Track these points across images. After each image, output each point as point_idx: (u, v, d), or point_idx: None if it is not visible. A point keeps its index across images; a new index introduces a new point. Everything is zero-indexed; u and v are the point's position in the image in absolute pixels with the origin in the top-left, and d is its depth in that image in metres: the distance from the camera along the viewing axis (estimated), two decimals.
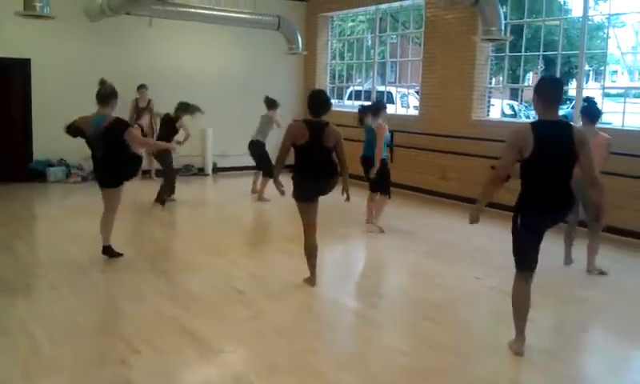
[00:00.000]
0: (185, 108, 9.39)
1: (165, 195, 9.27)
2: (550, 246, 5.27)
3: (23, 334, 4.44)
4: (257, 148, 9.92)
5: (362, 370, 4.07)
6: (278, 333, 4.60)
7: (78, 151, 11.32)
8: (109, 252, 6.32)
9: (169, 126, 9.34)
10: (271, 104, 10.13)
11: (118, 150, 6.00)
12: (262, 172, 10.08)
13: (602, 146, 6.05)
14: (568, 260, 6.68)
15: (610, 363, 4.54)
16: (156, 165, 10.64)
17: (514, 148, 4.09)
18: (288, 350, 4.32)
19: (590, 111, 6.35)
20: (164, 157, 9.24)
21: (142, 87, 11.60)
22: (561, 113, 13.28)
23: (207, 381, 3.97)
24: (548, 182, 4.08)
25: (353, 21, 16.91)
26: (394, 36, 14.41)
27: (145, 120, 10.11)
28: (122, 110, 11.46)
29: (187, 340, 4.39)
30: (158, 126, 10.95)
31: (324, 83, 13.98)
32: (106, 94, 6.05)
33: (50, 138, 11.17)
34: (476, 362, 4.28)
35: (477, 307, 5.57)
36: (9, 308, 4.95)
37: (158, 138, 9.35)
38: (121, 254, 6.37)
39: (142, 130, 9.09)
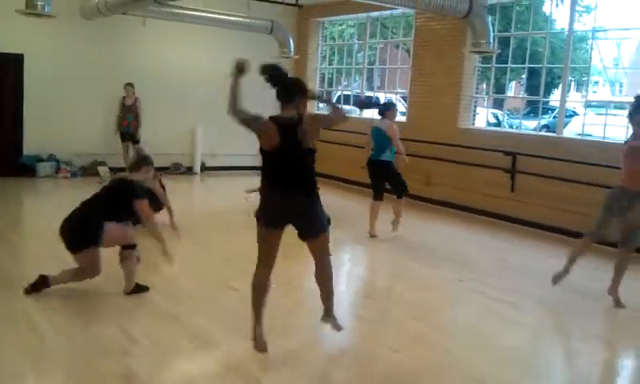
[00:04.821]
0: None
1: None
2: None
3: (28, 325, 4.59)
4: None
5: (357, 365, 4.29)
6: (272, 328, 4.77)
7: (68, 147, 11.58)
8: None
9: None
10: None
11: None
12: None
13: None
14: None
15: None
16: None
17: None
18: (283, 345, 4.50)
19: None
20: None
21: (128, 85, 11.36)
22: (543, 122, 13.64)
23: (205, 370, 4.14)
24: None
25: (341, 25, 17.13)
26: (382, 42, 14.67)
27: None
28: (111, 107, 11.67)
29: (183, 332, 4.58)
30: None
31: (314, 86, 14.18)
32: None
33: (40, 134, 11.32)
34: (462, 359, 4.52)
35: (461, 308, 5.82)
36: (11, 299, 5.07)
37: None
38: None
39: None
